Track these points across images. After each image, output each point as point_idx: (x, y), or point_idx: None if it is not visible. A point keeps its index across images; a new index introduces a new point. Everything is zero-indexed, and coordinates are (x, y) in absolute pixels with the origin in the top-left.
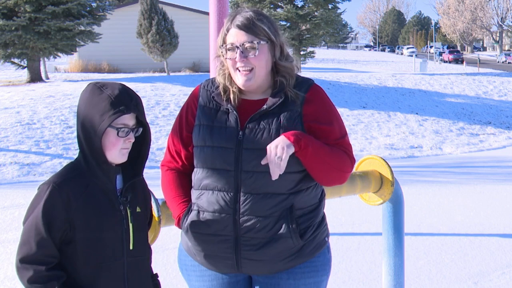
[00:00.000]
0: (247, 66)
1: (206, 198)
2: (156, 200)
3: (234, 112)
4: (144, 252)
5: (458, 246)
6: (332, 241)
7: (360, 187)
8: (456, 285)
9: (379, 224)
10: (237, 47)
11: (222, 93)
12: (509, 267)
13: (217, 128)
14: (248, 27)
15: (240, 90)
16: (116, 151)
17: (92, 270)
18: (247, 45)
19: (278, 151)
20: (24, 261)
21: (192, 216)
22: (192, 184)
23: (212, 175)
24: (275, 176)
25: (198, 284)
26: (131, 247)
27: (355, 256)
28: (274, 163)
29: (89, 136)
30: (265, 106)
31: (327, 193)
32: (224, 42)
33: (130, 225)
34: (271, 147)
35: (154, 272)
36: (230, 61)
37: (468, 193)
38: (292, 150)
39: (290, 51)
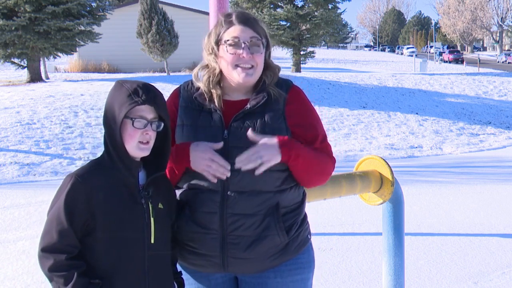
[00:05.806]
0: (250, 63)
1: (193, 196)
2: None
3: (218, 111)
4: (166, 247)
5: (458, 246)
6: (332, 241)
7: (360, 187)
8: (456, 285)
9: (379, 224)
10: (244, 43)
11: (204, 94)
12: (509, 267)
13: (201, 128)
14: (253, 24)
15: (222, 91)
16: (134, 143)
17: (112, 261)
18: (254, 41)
19: (264, 156)
20: (45, 250)
21: (181, 214)
22: (179, 184)
23: (198, 173)
24: (239, 165)
25: None
26: (152, 241)
27: (355, 256)
28: (252, 161)
29: (110, 129)
30: (248, 105)
31: (327, 193)
32: (221, 38)
33: (152, 219)
34: (260, 146)
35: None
36: (231, 56)
37: (468, 193)
38: (276, 161)
39: (290, 51)
